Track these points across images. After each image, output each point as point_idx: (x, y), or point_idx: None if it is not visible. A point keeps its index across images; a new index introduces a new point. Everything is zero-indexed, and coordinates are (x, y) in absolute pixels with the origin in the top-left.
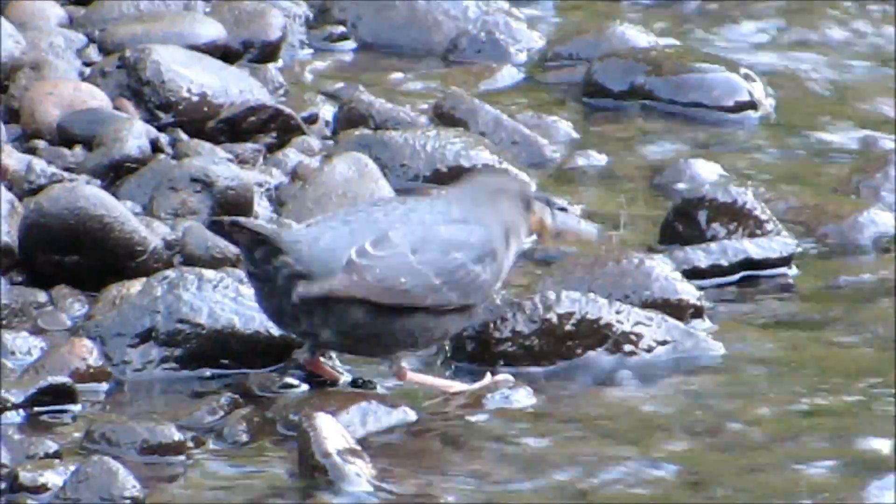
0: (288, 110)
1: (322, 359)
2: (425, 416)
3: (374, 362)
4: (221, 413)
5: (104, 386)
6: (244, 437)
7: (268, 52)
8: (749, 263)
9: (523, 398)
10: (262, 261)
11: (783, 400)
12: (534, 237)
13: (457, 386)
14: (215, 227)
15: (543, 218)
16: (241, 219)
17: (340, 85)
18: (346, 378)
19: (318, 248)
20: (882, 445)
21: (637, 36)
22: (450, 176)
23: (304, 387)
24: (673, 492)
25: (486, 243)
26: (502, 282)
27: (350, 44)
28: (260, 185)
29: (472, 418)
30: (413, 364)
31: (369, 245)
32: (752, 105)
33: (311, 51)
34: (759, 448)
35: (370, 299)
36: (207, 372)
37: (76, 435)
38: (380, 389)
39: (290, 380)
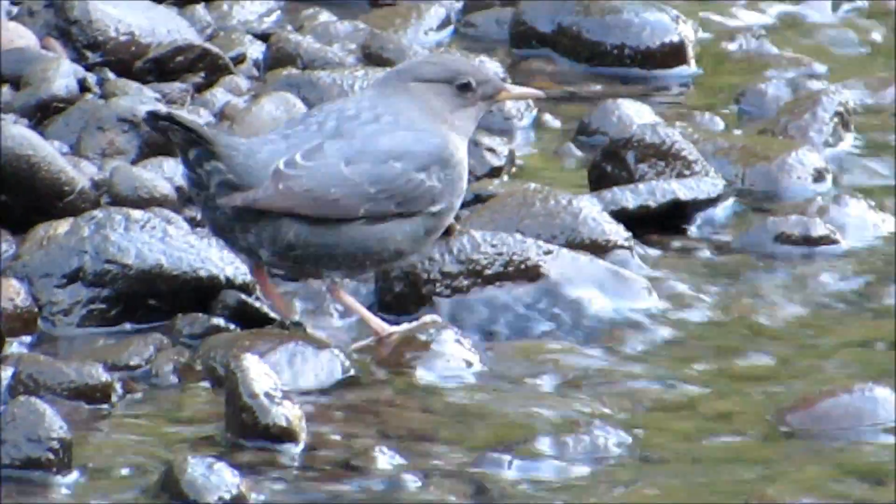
0: (216, 50)
1: (269, 280)
2: (353, 360)
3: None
4: (149, 354)
5: (31, 328)
6: (172, 379)
7: None
8: (677, 204)
9: (450, 340)
10: (196, 163)
11: (711, 349)
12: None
13: (387, 328)
14: (152, 121)
15: (507, 90)
16: (177, 113)
17: (268, 25)
18: (286, 311)
19: (253, 158)
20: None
21: None
22: None
23: (233, 328)
24: (597, 448)
25: (434, 151)
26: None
27: None
28: None
29: (399, 363)
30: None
31: (299, 156)
32: (682, 46)
33: None
34: (688, 404)
35: (297, 211)
36: (135, 313)
37: (3, 377)
38: (309, 331)
39: (218, 321)
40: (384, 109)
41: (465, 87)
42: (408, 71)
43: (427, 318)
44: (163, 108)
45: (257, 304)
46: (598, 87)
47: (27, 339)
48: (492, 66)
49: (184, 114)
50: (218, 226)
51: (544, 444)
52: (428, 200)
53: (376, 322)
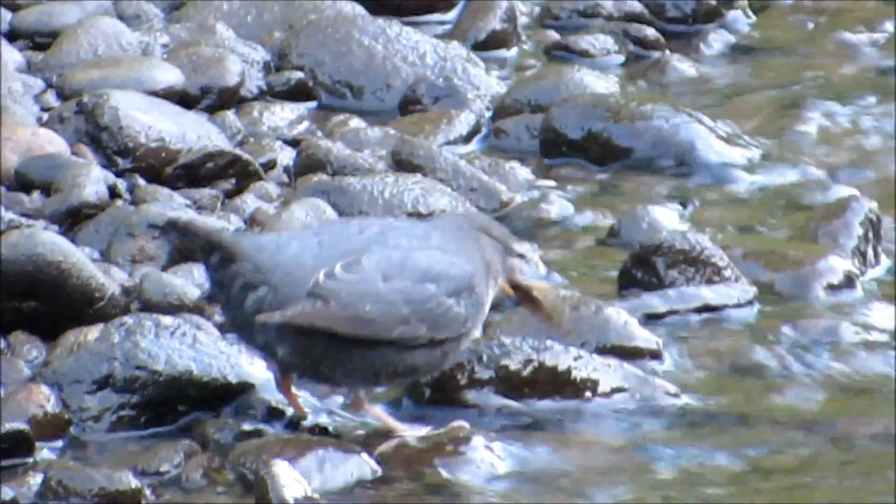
0: (246, 156)
1: (293, 387)
2: (382, 465)
3: (331, 392)
4: (179, 460)
5: (61, 433)
6: (202, 484)
7: (226, 97)
8: (707, 309)
9: (480, 446)
10: (218, 266)
11: (738, 451)
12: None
13: (413, 431)
14: (170, 228)
15: (515, 273)
16: (196, 221)
17: (298, 131)
18: (308, 421)
19: (282, 258)
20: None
21: (595, 82)
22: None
23: (262, 433)
24: None
25: (465, 276)
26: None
27: (308, 89)
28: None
29: (428, 467)
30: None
31: (339, 268)
32: (711, 152)
33: (270, 97)
34: (718, 500)
35: (333, 329)
36: (165, 419)
37: (33, 482)
38: (337, 436)
39: (247, 426)
40: (439, 234)
41: (508, 252)
42: (482, 222)
43: (455, 423)
44: (182, 217)
45: (288, 411)
46: (628, 192)
47: (57, 444)
48: (521, 172)
49: (202, 221)
50: (237, 323)
51: None
52: (455, 327)
53: (402, 428)
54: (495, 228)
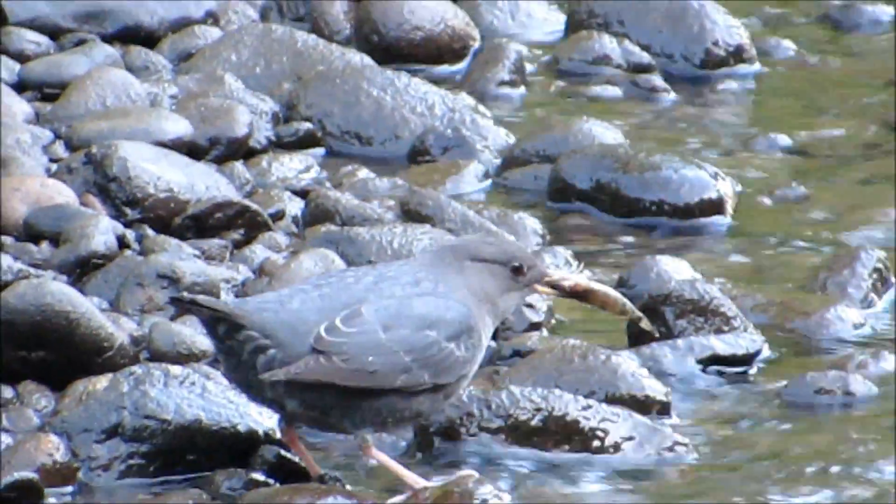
0: (254, 206)
1: (298, 438)
2: None
3: (342, 443)
4: None
5: (70, 482)
6: None
7: (234, 148)
8: (716, 359)
9: (489, 496)
10: (226, 336)
11: (748, 500)
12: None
13: (421, 482)
14: (175, 304)
15: (549, 276)
16: (200, 297)
17: (307, 181)
18: (316, 471)
19: (285, 315)
20: None
21: (604, 133)
22: None
23: (272, 483)
24: None
25: (463, 319)
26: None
27: (317, 140)
28: (226, 281)
29: None
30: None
31: (340, 321)
32: (720, 203)
33: (278, 147)
34: None
35: (337, 383)
36: (174, 468)
37: None
38: (347, 486)
39: (257, 476)
40: (425, 276)
41: (517, 271)
42: (464, 249)
43: (464, 472)
44: (186, 294)
45: (296, 459)
46: (637, 242)
47: (66, 494)
48: (529, 223)
49: (205, 297)
50: (247, 384)
51: None
52: (457, 371)
53: (411, 477)
54: (486, 249)
